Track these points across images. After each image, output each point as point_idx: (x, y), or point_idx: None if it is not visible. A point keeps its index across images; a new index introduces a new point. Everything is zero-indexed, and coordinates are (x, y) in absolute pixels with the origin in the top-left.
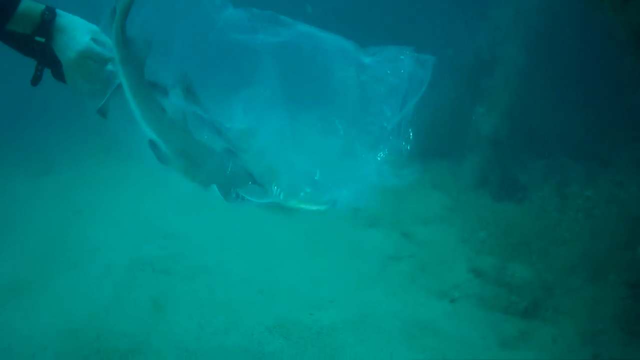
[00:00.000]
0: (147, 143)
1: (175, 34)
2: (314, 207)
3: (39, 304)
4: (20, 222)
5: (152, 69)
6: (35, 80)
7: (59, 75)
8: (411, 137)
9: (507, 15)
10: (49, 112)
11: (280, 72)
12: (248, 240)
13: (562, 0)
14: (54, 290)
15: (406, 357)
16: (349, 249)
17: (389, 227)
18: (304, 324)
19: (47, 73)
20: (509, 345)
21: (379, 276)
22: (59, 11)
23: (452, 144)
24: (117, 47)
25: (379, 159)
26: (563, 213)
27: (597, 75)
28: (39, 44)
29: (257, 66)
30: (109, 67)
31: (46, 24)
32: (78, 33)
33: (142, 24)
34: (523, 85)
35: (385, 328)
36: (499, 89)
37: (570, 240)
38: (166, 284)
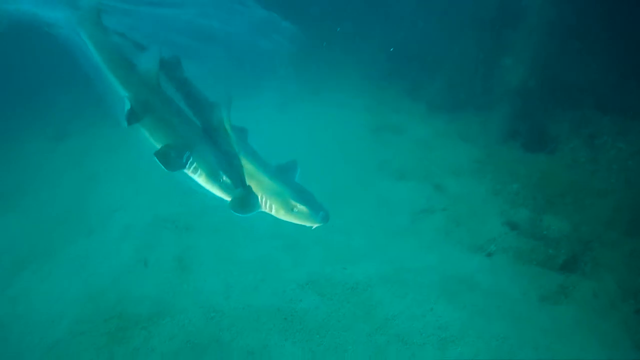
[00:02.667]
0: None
1: None
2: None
3: (57, 269)
4: (36, 187)
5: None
6: None
7: None
8: None
9: None
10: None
11: None
12: None
13: None
14: (72, 256)
15: (447, 313)
16: (378, 202)
17: (419, 179)
18: (337, 279)
19: None
20: (550, 300)
21: (411, 229)
22: None
23: (479, 96)
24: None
25: None
26: (596, 164)
27: (628, 26)
28: None
29: None
30: None
31: None
32: None
33: None
34: (550, 36)
35: (422, 283)
36: (525, 40)
37: (605, 191)
38: (190, 241)
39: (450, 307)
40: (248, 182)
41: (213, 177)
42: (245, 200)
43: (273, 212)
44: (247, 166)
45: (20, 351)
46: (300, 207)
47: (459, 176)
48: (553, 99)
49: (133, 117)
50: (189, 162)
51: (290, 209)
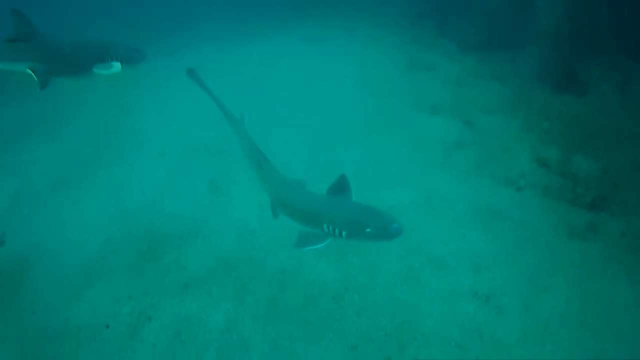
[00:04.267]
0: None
1: None
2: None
3: (91, 193)
4: (69, 120)
5: None
6: None
7: None
8: None
9: None
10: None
11: None
12: (306, 122)
13: None
14: (106, 180)
15: (479, 240)
16: (411, 134)
17: (451, 114)
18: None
19: None
20: (579, 236)
21: (443, 161)
22: None
23: (511, 37)
24: None
25: None
26: (626, 110)
27: None
28: None
29: None
30: None
31: None
32: None
33: None
34: None
35: (454, 211)
36: None
37: (635, 136)
38: (223, 166)
39: (482, 235)
40: (312, 218)
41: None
42: (308, 237)
43: (345, 237)
44: (310, 202)
45: (51, 269)
46: (373, 228)
47: (490, 113)
48: (585, 43)
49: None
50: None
51: (362, 232)
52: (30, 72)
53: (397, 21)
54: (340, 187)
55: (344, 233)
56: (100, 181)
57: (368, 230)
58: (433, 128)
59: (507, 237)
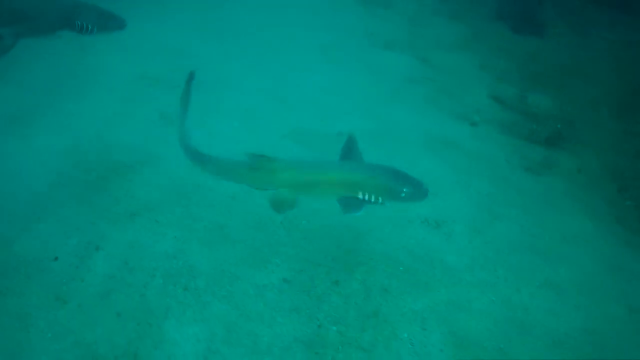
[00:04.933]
0: None
1: None
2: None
3: (40, 129)
4: (21, 59)
5: None
6: None
7: None
8: None
9: None
10: None
11: None
12: (261, 55)
13: None
14: (55, 115)
15: (430, 167)
16: (365, 68)
17: (406, 51)
18: (323, 132)
19: None
20: (534, 171)
21: (396, 95)
22: None
23: None
24: None
25: None
26: (585, 51)
27: None
28: None
29: None
30: None
31: None
32: None
33: None
34: None
35: (406, 138)
36: None
37: (593, 77)
38: (176, 98)
39: (434, 162)
40: (349, 187)
41: None
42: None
43: (380, 202)
44: (347, 175)
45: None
46: (407, 191)
47: (445, 51)
48: None
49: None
50: None
51: (398, 196)
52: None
53: None
54: (350, 149)
55: (380, 199)
56: (52, 117)
57: (403, 195)
58: (387, 63)
59: (460, 167)
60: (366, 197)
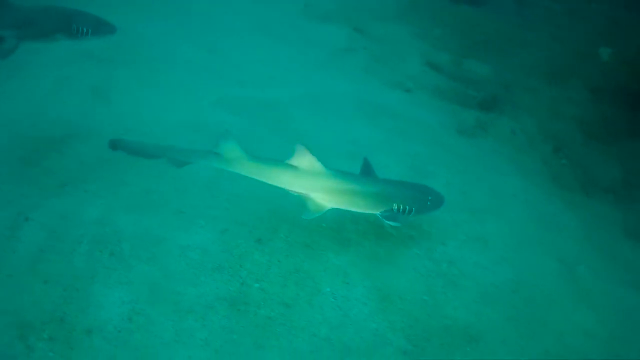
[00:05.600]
0: None
1: None
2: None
3: None
4: None
5: None
6: None
7: None
8: None
9: None
10: None
11: None
12: (200, 31)
13: None
14: None
15: (361, 131)
16: (300, 39)
17: (342, 22)
18: (256, 98)
19: None
20: (468, 133)
21: (330, 65)
22: None
23: None
24: None
25: None
26: (524, 19)
27: None
28: None
29: None
30: None
31: None
32: None
33: None
34: None
35: (338, 105)
36: None
37: (531, 43)
38: (108, 72)
39: (366, 126)
40: (385, 200)
41: None
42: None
43: (413, 213)
44: (383, 188)
45: None
46: (431, 199)
47: (382, 21)
48: None
49: None
50: None
51: (425, 205)
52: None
53: None
54: (367, 168)
55: (414, 209)
56: None
57: (428, 203)
58: (324, 34)
59: (391, 130)
60: (400, 208)
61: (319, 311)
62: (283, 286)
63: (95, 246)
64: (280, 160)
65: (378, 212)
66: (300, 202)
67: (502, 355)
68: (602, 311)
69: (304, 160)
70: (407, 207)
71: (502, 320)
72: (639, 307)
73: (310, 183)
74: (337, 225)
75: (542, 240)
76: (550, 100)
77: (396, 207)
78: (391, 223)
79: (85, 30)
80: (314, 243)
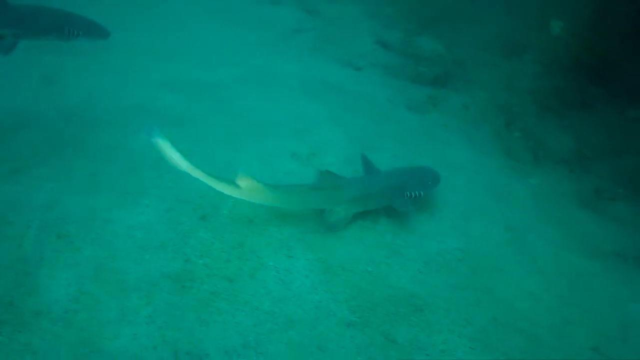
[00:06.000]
0: None
1: None
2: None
3: None
4: None
5: None
6: None
7: None
8: None
9: None
10: None
11: None
12: (149, 17)
13: None
14: None
15: (307, 107)
16: (252, 22)
17: (293, 4)
18: (204, 79)
19: None
20: (418, 109)
21: (280, 45)
22: None
23: None
24: None
25: None
26: None
27: None
28: None
29: None
30: None
31: None
32: None
33: None
34: None
35: (286, 84)
36: None
37: (483, 19)
38: (57, 60)
39: (312, 103)
40: (398, 190)
41: None
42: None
43: (419, 195)
44: (395, 180)
45: None
46: (431, 181)
47: (332, 2)
48: None
49: None
50: None
51: (427, 185)
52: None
53: None
54: (368, 164)
55: (421, 193)
56: None
57: (430, 183)
58: (275, 16)
59: (339, 107)
60: (411, 194)
61: (262, 285)
62: (226, 261)
63: (44, 230)
64: (300, 184)
65: (393, 204)
66: (324, 216)
67: (447, 323)
68: (551, 277)
69: (325, 178)
70: (415, 192)
71: (447, 289)
72: (587, 272)
73: (334, 198)
74: None
75: (491, 209)
76: (503, 75)
77: (407, 195)
78: (405, 210)
79: (77, 32)
80: (257, 218)
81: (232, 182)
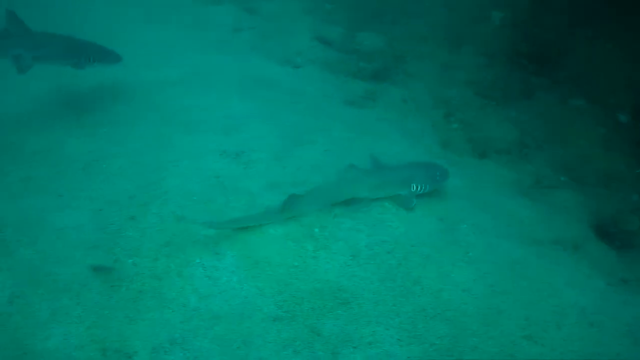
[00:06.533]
0: None
1: None
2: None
3: None
4: None
5: None
6: None
7: None
8: None
9: None
10: None
11: None
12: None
13: None
14: None
15: (242, 107)
16: (190, 23)
17: (233, 2)
18: (136, 81)
19: None
20: (356, 104)
21: (220, 44)
22: None
23: None
24: None
25: None
26: None
27: None
28: None
29: None
30: None
31: None
32: None
33: None
34: None
35: (221, 83)
36: None
37: (425, 12)
38: None
39: (245, 101)
40: (406, 183)
41: None
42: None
43: (427, 190)
44: (405, 173)
45: None
46: (439, 174)
47: (272, 0)
48: None
49: None
50: None
51: (435, 180)
52: (16, 57)
53: None
54: (376, 161)
55: (428, 187)
56: None
57: (438, 177)
58: (214, 16)
59: (273, 104)
60: (418, 188)
61: (189, 282)
62: (154, 260)
63: None
64: (325, 183)
65: (402, 192)
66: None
67: (375, 315)
68: (482, 267)
69: (349, 172)
70: (423, 185)
71: (375, 281)
72: (521, 261)
73: (359, 187)
74: (208, 198)
75: (423, 200)
76: (444, 67)
77: (414, 187)
78: (412, 200)
79: (93, 59)
80: (185, 217)
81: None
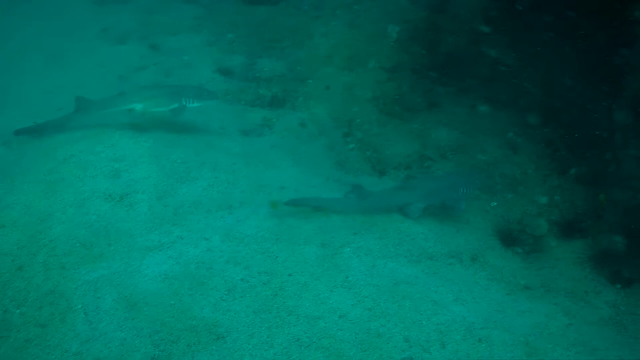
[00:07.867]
0: None
1: None
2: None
3: None
4: None
5: None
6: None
7: None
8: None
9: None
10: None
11: None
12: None
13: None
14: None
15: (129, 148)
16: (95, 65)
17: (139, 41)
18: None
19: None
20: (252, 133)
21: (117, 85)
22: None
23: None
24: None
25: None
26: (319, 11)
27: None
28: None
29: None
30: None
31: None
32: None
33: None
34: None
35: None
36: None
37: (325, 33)
38: None
39: (133, 141)
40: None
41: None
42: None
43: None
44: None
45: None
46: (478, 182)
47: (176, 34)
48: None
49: None
50: None
51: (475, 186)
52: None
53: None
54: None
55: (470, 190)
56: None
57: (477, 182)
58: (117, 56)
59: (160, 141)
60: (464, 191)
61: (71, 328)
62: (39, 308)
63: None
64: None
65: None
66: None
67: (249, 349)
68: (363, 290)
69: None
70: (466, 189)
71: (250, 314)
72: (406, 280)
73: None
74: (91, 243)
75: (303, 228)
76: (347, 87)
77: (462, 191)
78: (461, 202)
79: (192, 100)
80: (69, 263)
81: None
